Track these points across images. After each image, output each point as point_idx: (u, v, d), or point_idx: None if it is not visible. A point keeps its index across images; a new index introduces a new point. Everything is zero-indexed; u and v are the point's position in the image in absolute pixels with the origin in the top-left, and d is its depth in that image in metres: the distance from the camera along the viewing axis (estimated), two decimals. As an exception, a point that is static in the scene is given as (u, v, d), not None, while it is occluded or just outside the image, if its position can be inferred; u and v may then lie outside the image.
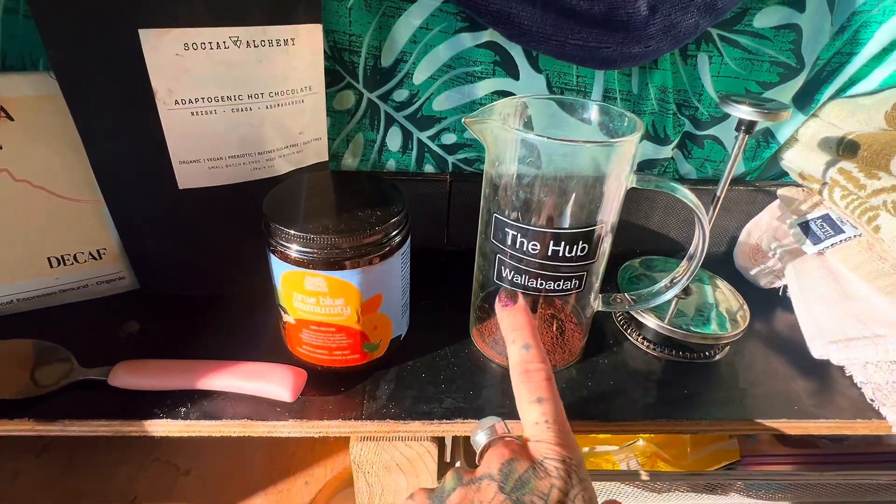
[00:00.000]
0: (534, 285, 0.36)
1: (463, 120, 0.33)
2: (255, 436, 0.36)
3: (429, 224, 0.53)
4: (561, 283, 0.36)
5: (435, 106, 0.46)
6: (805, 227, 0.47)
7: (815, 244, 0.45)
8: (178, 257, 0.44)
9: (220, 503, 0.50)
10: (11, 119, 0.36)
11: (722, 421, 0.38)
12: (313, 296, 0.34)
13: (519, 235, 0.34)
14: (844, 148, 0.43)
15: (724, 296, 0.46)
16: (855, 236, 0.44)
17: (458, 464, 0.42)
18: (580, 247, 0.34)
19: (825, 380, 0.41)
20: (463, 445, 0.43)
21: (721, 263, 0.54)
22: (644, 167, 0.51)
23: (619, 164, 0.33)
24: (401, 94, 0.46)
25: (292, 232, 0.32)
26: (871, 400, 0.39)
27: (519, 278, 0.36)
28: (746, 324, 0.42)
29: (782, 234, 0.49)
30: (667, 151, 0.49)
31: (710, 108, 0.46)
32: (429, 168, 0.50)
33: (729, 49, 0.43)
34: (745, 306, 0.44)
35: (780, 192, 0.51)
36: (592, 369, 0.41)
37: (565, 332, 0.40)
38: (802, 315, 0.43)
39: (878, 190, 0.40)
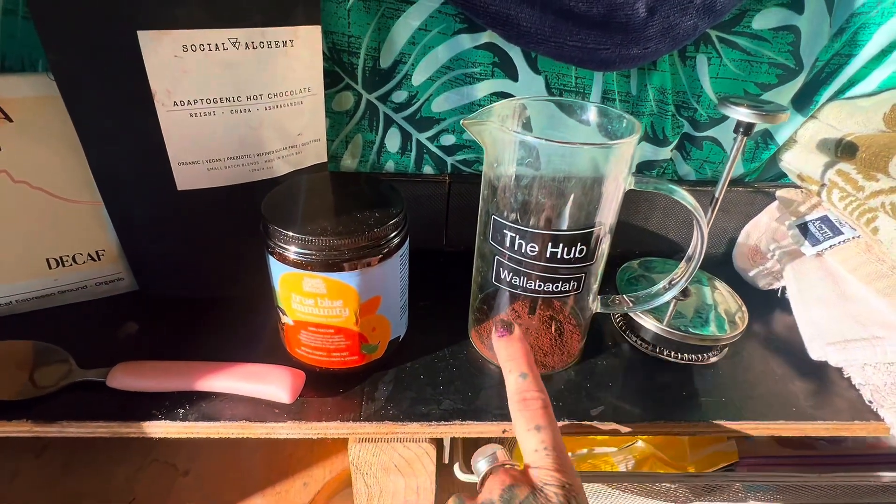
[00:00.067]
0: (532, 287, 0.36)
1: (462, 121, 0.33)
2: (254, 437, 0.36)
3: (428, 225, 0.53)
4: (559, 285, 0.36)
5: (434, 107, 0.46)
6: (804, 229, 0.47)
7: (813, 245, 0.45)
8: (177, 258, 0.44)
9: (219, 504, 0.50)
10: (10, 120, 0.36)
11: (720, 422, 0.38)
12: (312, 297, 0.34)
13: (517, 237, 0.34)
14: (843, 149, 0.43)
15: (722, 297, 0.46)
16: (853, 238, 0.44)
17: (456, 465, 0.42)
18: (578, 248, 0.34)
19: (823, 381, 0.41)
20: (461, 447, 0.44)
21: (720, 265, 0.55)
22: (643, 168, 0.51)
23: (618, 166, 0.33)
24: (400, 96, 0.46)
25: (291, 233, 0.32)
26: (870, 401, 0.39)
27: (517, 280, 0.36)
28: (745, 325, 0.42)
29: (781, 236, 0.49)
30: (666, 153, 0.49)
31: (709, 109, 0.46)
32: (428, 169, 0.50)
33: (728, 50, 0.43)
34: (744, 308, 0.44)
35: (778, 193, 0.51)
36: (591, 371, 0.41)
37: (564, 334, 0.40)
38: (801, 316, 0.43)
39: (876, 191, 0.40)
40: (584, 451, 0.64)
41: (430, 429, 0.36)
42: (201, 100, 0.36)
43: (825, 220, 0.46)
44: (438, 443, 0.39)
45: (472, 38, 0.43)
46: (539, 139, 0.31)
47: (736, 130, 0.37)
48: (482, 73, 0.44)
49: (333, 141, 0.48)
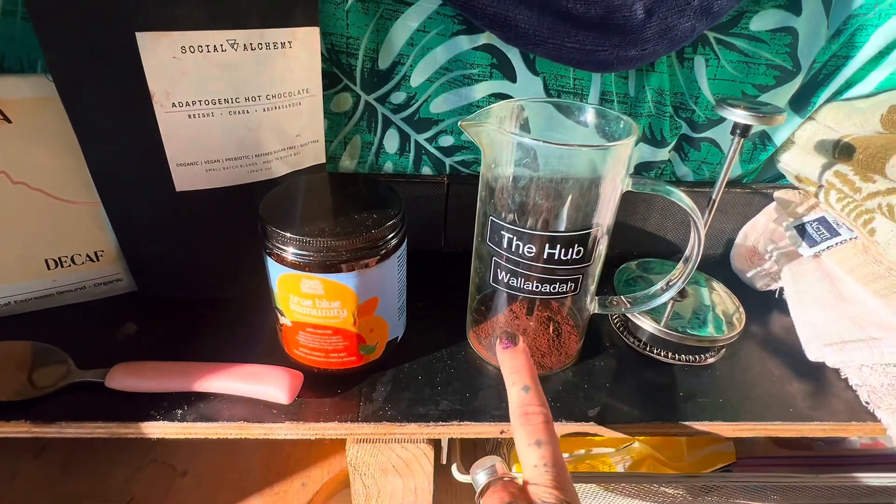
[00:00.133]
0: (530, 288, 0.36)
1: (459, 123, 0.34)
2: (252, 438, 0.36)
3: (426, 226, 0.53)
4: (557, 286, 0.36)
5: (432, 108, 0.46)
6: (801, 230, 0.47)
7: (811, 247, 0.45)
8: (176, 259, 0.44)
9: (217, 505, 0.50)
10: (9, 121, 0.36)
11: (718, 423, 0.38)
12: (310, 298, 0.34)
13: (515, 238, 0.34)
14: (840, 151, 0.43)
15: (720, 298, 0.46)
16: (851, 239, 0.44)
17: (454, 465, 0.42)
18: (576, 249, 0.34)
19: (821, 382, 0.41)
20: (459, 447, 0.44)
21: (717, 266, 0.55)
22: (641, 169, 0.51)
23: (615, 167, 0.33)
24: (398, 97, 0.46)
25: (289, 235, 0.32)
26: (867, 402, 0.39)
27: (515, 281, 0.36)
28: (742, 326, 0.43)
29: (779, 237, 0.49)
30: (663, 154, 0.49)
31: (707, 110, 0.46)
32: (426, 170, 0.50)
33: (725, 52, 0.43)
34: (742, 309, 0.44)
35: (776, 194, 0.51)
36: (588, 371, 0.41)
37: (561, 335, 0.40)
38: (798, 317, 0.44)
39: (873, 193, 0.40)
40: (582, 451, 0.64)
41: (427, 429, 0.36)
42: (200, 101, 0.36)
43: (823, 221, 0.46)
44: (436, 443, 0.39)
45: (470, 40, 0.43)
46: (536, 141, 0.31)
47: (733, 132, 0.37)
48: (480, 74, 0.45)
49: (332, 142, 0.48)
